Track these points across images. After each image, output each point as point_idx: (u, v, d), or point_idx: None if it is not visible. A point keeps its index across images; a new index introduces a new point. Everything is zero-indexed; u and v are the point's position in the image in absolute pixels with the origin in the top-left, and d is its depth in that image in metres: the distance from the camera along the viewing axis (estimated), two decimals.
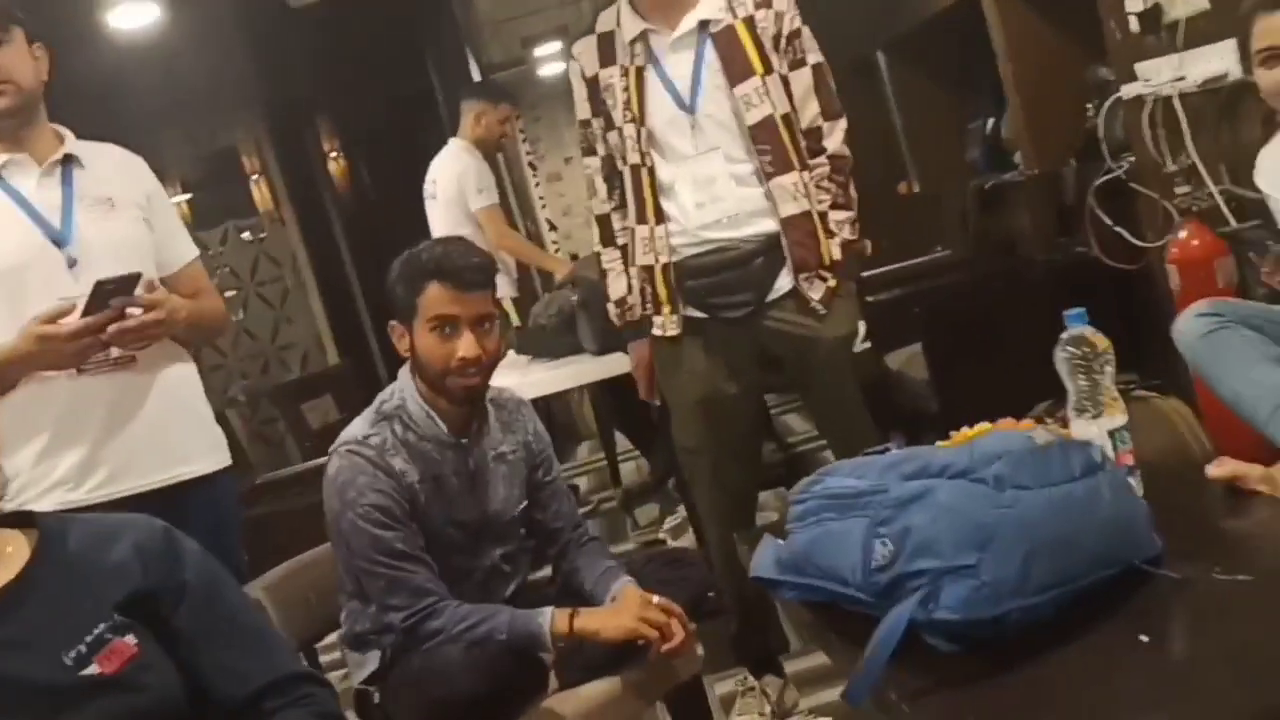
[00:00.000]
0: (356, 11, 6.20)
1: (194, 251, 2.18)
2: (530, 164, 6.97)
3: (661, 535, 3.97)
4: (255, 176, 7.39)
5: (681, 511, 3.83)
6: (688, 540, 3.53)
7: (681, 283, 2.28)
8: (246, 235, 7.31)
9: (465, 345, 1.84)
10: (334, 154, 7.76)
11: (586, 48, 2.33)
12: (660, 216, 2.27)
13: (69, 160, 1.99)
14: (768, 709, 2.42)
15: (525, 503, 2.00)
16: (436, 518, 1.88)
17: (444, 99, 6.62)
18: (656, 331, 2.34)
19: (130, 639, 1.26)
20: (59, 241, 1.93)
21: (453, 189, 4.26)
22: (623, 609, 1.83)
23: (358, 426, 1.88)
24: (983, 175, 4.38)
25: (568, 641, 1.79)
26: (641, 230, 2.29)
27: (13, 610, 1.26)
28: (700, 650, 2.02)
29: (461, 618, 1.78)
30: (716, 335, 2.31)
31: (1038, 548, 1.22)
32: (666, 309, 2.31)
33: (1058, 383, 1.51)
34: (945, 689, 1.18)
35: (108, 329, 1.86)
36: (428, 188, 4.42)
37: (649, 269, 2.30)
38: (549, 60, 6.55)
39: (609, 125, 2.31)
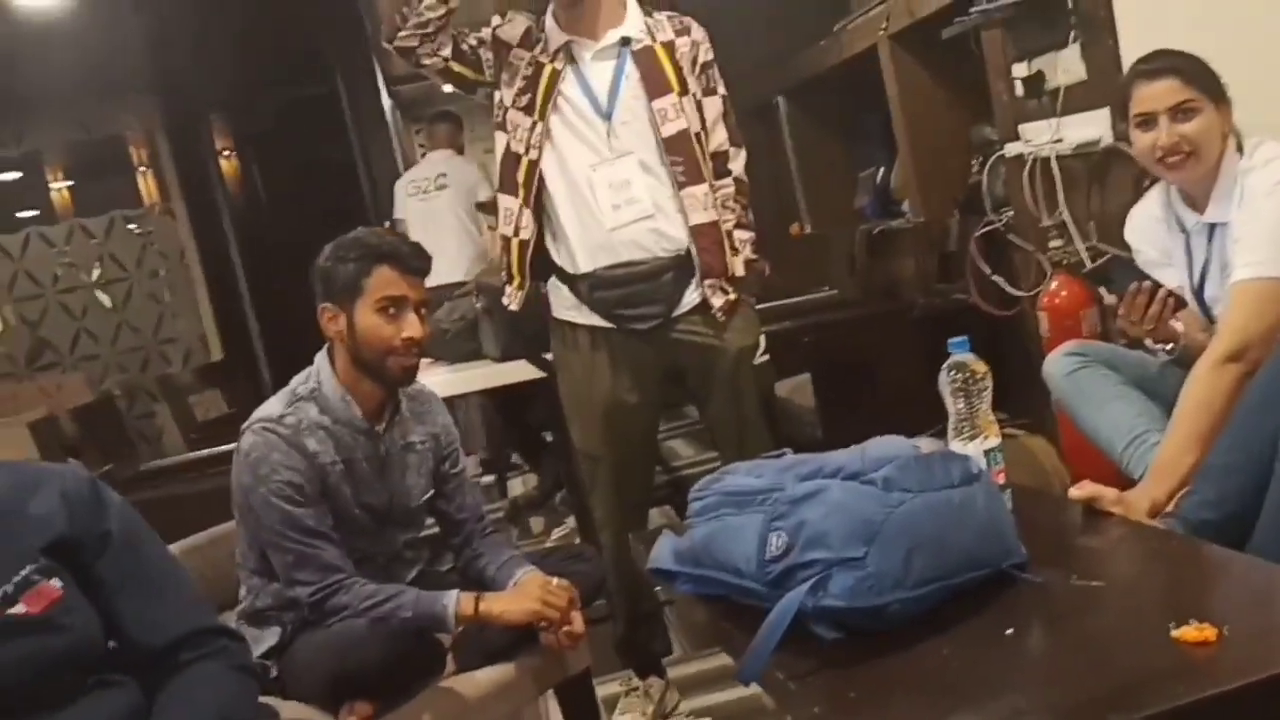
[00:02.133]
0: (262, 11, 6.14)
1: None
2: None
3: (549, 546, 4.01)
4: (142, 168, 7.23)
5: (570, 523, 3.87)
6: None
7: (592, 294, 2.34)
8: (134, 227, 7.14)
9: (410, 326, 1.90)
10: (226, 151, 7.63)
11: (516, 19, 2.37)
12: (528, 201, 2.34)
13: None
14: (650, 709, 2.48)
15: (431, 492, 2.05)
16: (345, 499, 1.91)
17: (349, 106, 6.59)
18: (505, 300, 2.44)
19: (55, 582, 1.29)
20: None
21: (464, 188, 4.92)
22: (526, 592, 1.89)
23: (273, 406, 1.90)
24: (871, 221, 4.55)
25: (471, 624, 1.84)
26: (507, 201, 2.37)
27: None
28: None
29: (368, 595, 1.81)
30: (623, 346, 2.37)
31: (919, 545, 1.32)
32: (517, 281, 2.40)
33: (935, 416, 1.61)
34: (829, 670, 1.27)
35: None
36: (434, 180, 4.91)
37: (506, 240, 2.38)
38: None
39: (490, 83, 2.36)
